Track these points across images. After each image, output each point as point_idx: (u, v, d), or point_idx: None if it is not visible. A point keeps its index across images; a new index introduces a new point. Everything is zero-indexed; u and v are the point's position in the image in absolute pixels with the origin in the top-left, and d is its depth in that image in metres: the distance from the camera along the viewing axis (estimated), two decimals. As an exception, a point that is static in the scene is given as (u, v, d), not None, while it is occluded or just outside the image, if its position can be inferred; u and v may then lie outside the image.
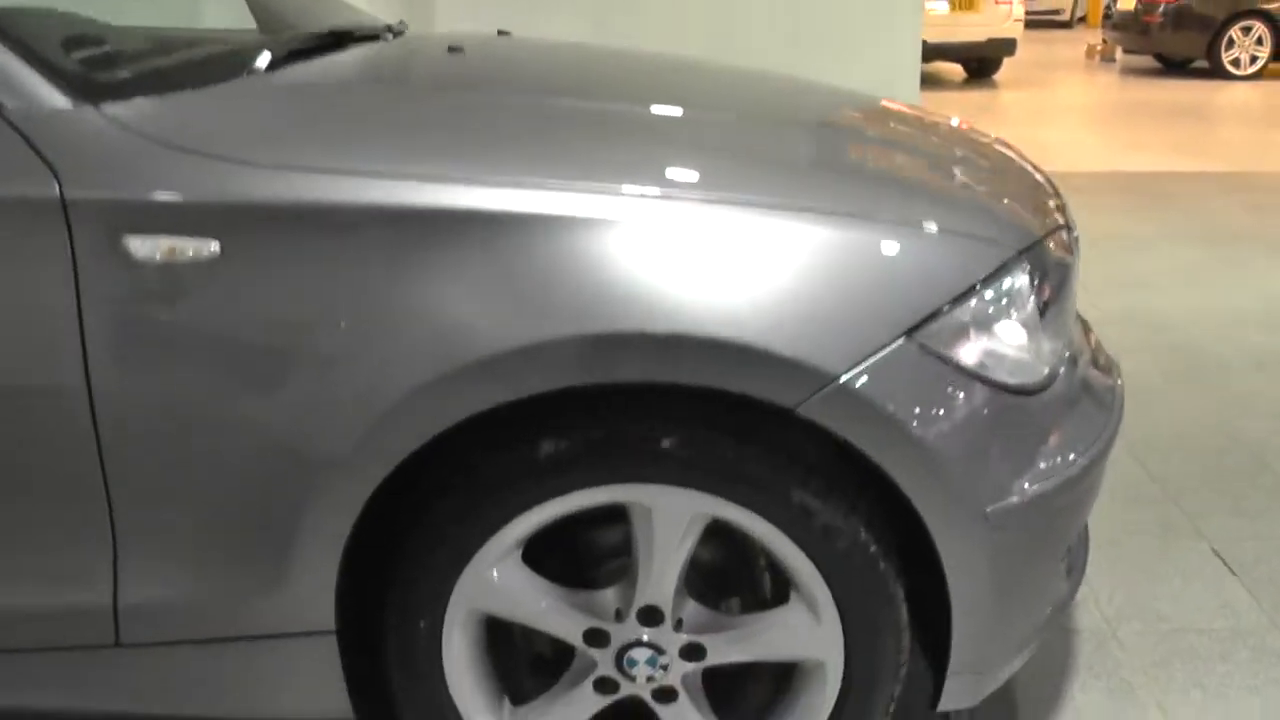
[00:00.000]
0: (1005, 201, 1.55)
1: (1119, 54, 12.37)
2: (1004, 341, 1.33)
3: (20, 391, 1.27)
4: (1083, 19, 18.65)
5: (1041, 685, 1.83)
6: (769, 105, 1.88)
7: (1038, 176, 1.76)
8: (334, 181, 1.24)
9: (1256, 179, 6.04)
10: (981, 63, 10.98)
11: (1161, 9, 10.85)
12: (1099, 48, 12.93)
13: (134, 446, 1.28)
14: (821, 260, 1.26)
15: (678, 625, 1.37)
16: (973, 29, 10.28)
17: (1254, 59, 10.63)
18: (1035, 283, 1.38)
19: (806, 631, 1.35)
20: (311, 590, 1.33)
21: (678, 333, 1.20)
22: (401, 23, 2.22)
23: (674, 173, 1.36)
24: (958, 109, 8.04)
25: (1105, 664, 1.89)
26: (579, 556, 1.44)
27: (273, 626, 1.36)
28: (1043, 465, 1.34)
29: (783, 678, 1.46)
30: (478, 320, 1.22)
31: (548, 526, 1.34)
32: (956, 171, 1.64)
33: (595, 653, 1.38)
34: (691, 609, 1.39)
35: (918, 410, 1.24)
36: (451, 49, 1.86)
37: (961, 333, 1.28)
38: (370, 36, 2.00)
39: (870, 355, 1.22)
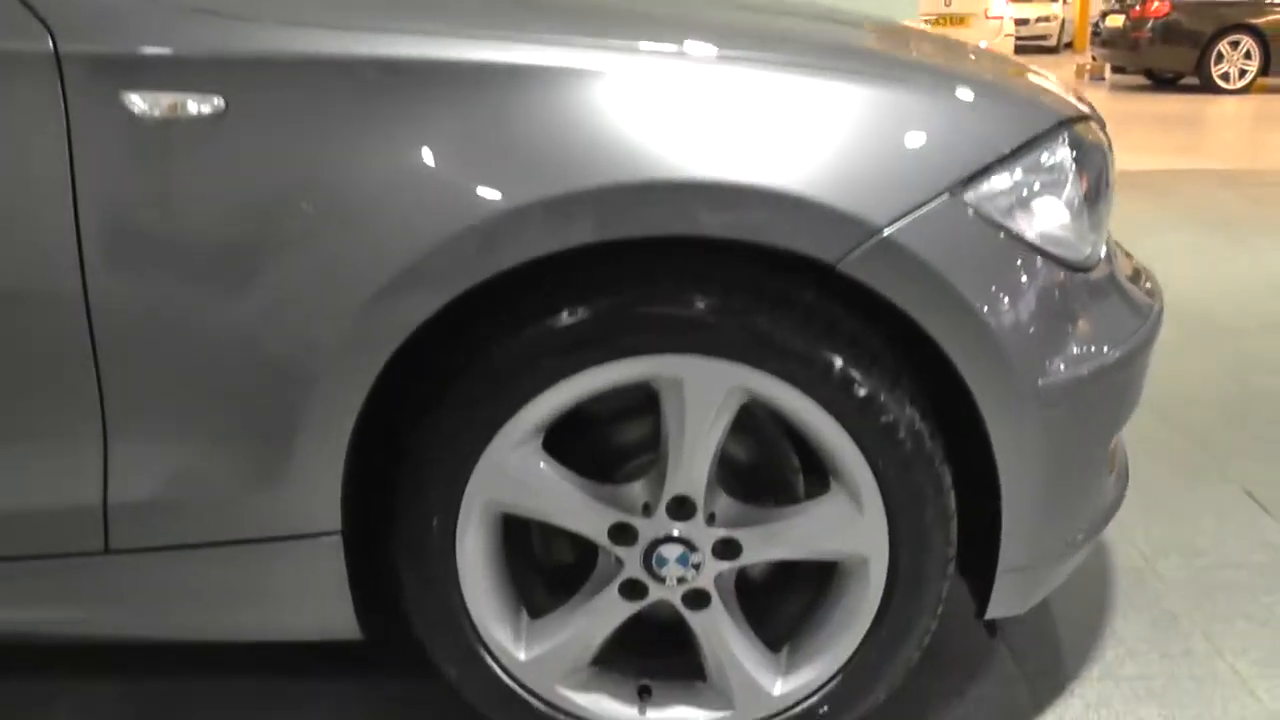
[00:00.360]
0: (1039, 88, 1.51)
1: (1108, 72, 12.49)
2: (1049, 214, 1.27)
3: (7, 262, 1.19)
4: (1069, 44, 18.90)
5: (1082, 617, 1.75)
6: (792, 9, 1.83)
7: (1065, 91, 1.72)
8: (338, 36, 1.17)
9: (1254, 174, 6.06)
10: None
11: (1150, 24, 10.97)
12: (1088, 67, 13.06)
13: (127, 320, 1.19)
14: (861, 117, 1.20)
15: (710, 520, 1.29)
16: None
17: (1243, 73, 10.73)
18: (1076, 163, 1.32)
19: (849, 523, 1.27)
20: (315, 487, 1.24)
21: (710, 180, 1.13)
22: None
23: (704, 34, 1.30)
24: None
25: (1145, 596, 1.81)
26: (603, 457, 1.36)
27: (272, 528, 1.27)
28: (1090, 345, 1.28)
29: (820, 583, 1.39)
30: (489, 176, 1.15)
31: (570, 413, 1.26)
32: (987, 65, 1.59)
33: (621, 551, 1.30)
34: (725, 502, 1.31)
35: (965, 270, 1.17)
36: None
37: (1007, 197, 1.22)
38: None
39: (915, 209, 1.16)
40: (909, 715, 1.52)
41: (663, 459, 1.27)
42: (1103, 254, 1.39)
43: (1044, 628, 1.73)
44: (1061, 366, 1.24)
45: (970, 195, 1.20)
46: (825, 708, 1.36)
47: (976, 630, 1.72)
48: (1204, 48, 10.76)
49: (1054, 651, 1.67)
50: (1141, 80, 11.89)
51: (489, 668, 1.35)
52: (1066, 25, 19.22)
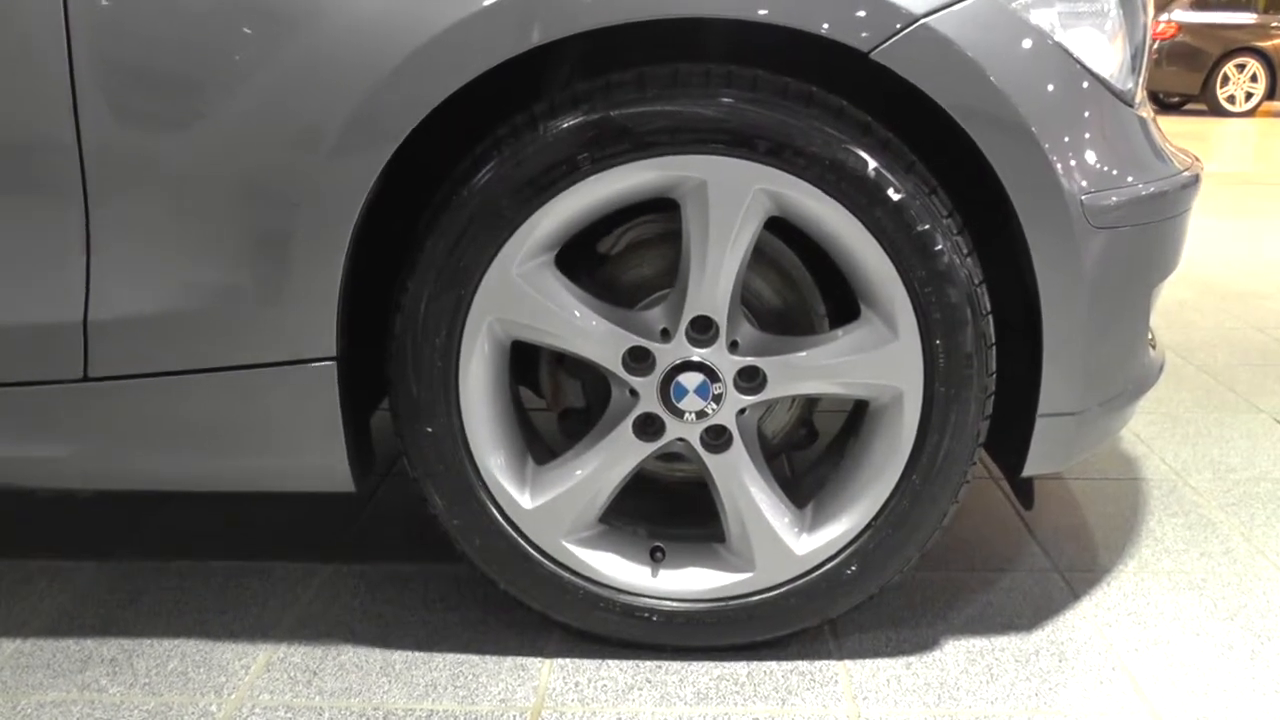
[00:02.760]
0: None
1: (1111, 97, 12.67)
2: (1094, 41, 1.25)
3: None
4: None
5: (1117, 520, 1.72)
6: None
7: None
8: None
9: (1263, 176, 6.15)
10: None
11: (1156, 46, 11.17)
12: (1090, 92, 13.24)
13: (113, 124, 1.16)
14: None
15: (733, 347, 1.25)
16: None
17: (1249, 95, 10.93)
18: (1119, 4, 1.31)
19: (881, 350, 1.23)
20: (309, 307, 1.20)
21: None
22: None
23: None
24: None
25: (1181, 505, 1.78)
26: (617, 291, 1.33)
27: (263, 353, 1.22)
28: (1134, 173, 1.26)
29: (846, 441, 1.35)
30: None
31: (586, 227, 1.23)
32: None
33: (637, 381, 1.25)
34: (748, 330, 1.28)
35: (1008, 70, 1.14)
36: None
37: (1053, 9, 1.20)
38: None
39: (954, 1, 1.13)
40: (937, 601, 1.48)
41: (683, 278, 1.23)
42: (1141, 99, 1.37)
43: (1077, 529, 1.69)
44: (1105, 186, 1.21)
45: (1015, 1, 1.18)
46: (853, 568, 1.31)
47: (1008, 529, 1.69)
48: (1210, 71, 10.96)
49: (1089, 548, 1.63)
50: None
51: (490, 513, 1.30)
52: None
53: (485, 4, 1.11)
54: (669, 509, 1.45)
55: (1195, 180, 1.42)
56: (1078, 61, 1.22)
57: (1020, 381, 1.29)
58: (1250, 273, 3.54)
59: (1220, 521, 1.72)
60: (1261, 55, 10.86)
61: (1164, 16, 11.15)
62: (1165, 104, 11.72)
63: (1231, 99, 10.94)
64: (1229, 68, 10.93)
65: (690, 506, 1.43)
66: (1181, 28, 11.02)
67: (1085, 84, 1.22)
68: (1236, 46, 10.91)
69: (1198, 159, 1.53)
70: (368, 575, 1.56)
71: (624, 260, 1.36)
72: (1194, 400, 2.28)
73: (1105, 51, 1.27)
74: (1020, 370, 1.29)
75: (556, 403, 1.40)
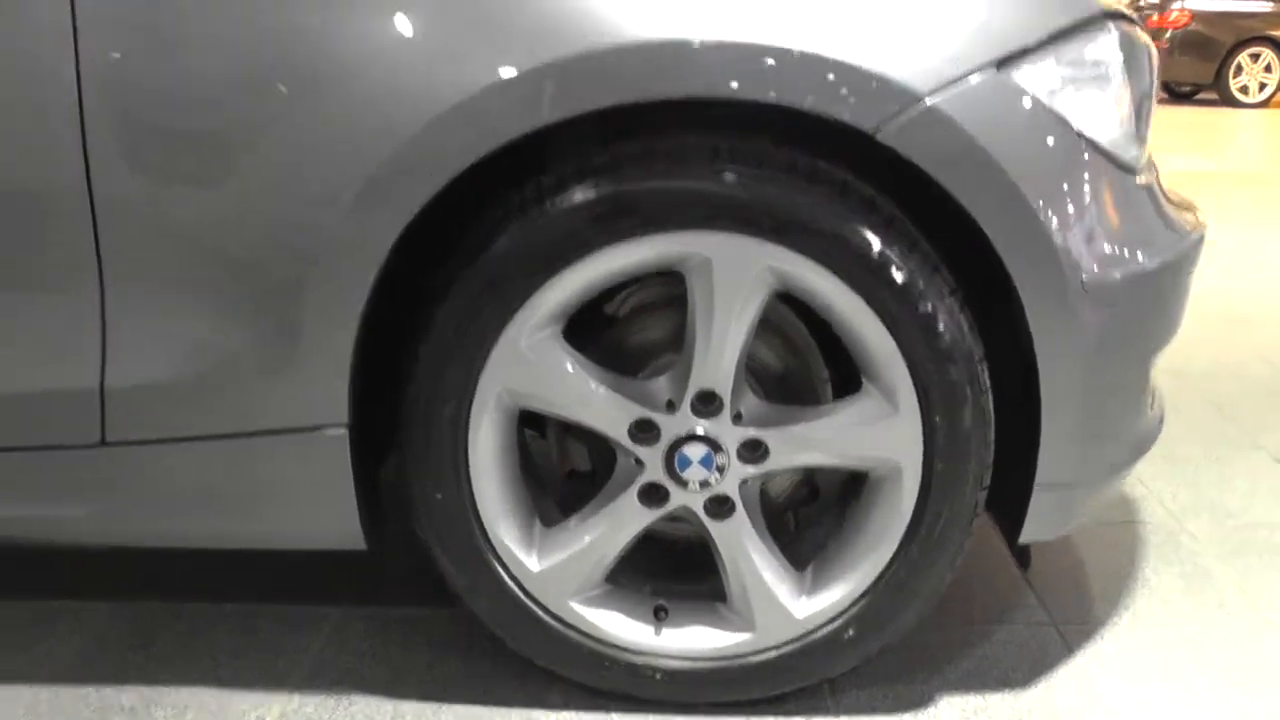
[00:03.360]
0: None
1: (1123, 85, 12.63)
2: (1096, 108, 1.27)
3: (5, 134, 1.18)
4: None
5: (1112, 569, 1.76)
6: None
7: None
8: None
9: (1276, 177, 6.14)
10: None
11: (1168, 35, 11.12)
12: (1102, 79, 13.21)
13: (128, 193, 1.18)
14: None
15: (737, 419, 1.28)
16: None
17: (1263, 86, 10.88)
18: (1124, 63, 1.34)
19: (881, 424, 1.26)
20: (321, 376, 1.23)
21: (744, 41, 1.13)
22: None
23: None
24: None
25: (1178, 553, 1.81)
26: (624, 356, 1.36)
27: (277, 420, 1.26)
28: (1136, 248, 1.29)
29: (844, 507, 1.38)
30: (478, 44, 1.13)
31: (592, 316, 1.26)
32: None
33: (642, 451, 1.29)
34: (752, 402, 1.31)
35: (1010, 149, 1.17)
36: None
37: (1054, 81, 1.23)
38: None
39: (958, 80, 1.16)
40: (934, 656, 1.52)
41: (688, 351, 1.27)
42: (1145, 162, 1.40)
43: (1074, 578, 1.73)
44: (1107, 264, 1.24)
45: (1016, 73, 1.20)
46: (851, 631, 1.36)
47: (1004, 578, 1.72)
48: (1223, 60, 10.91)
49: (1085, 600, 1.67)
50: (1158, 93, 12.03)
51: (498, 576, 1.34)
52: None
53: (506, 77, 1.13)
54: (672, 563, 1.49)
55: (1199, 241, 1.44)
56: (1081, 136, 1.24)
57: (1017, 448, 1.33)
58: (1259, 293, 3.54)
59: (1216, 572, 1.75)
60: (1276, 45, 10.80)
61: (1177, 4, 11.10)
62: (1177, 93, 11.68)
63: (1245, 89, 10.89)
64: (1243, 57, 10.87)
65: (693, 561, 1.47)
66: (1194, 16, 10.96)
67: (1088, 158, 1.24)
68: (1251, 36, 10.85)
69: (1200, 216, 1.55)
70: (377, 619, 1.61)
71: (631, 323, 1.39)
72: (1194, 437, 2.30)
73: (1109, 122, 1.29)
74: (1017, 437, 1.33)
75: (563, 465, 1.44)
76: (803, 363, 1.39)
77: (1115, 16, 1.35)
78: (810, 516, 1.42)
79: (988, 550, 1.80)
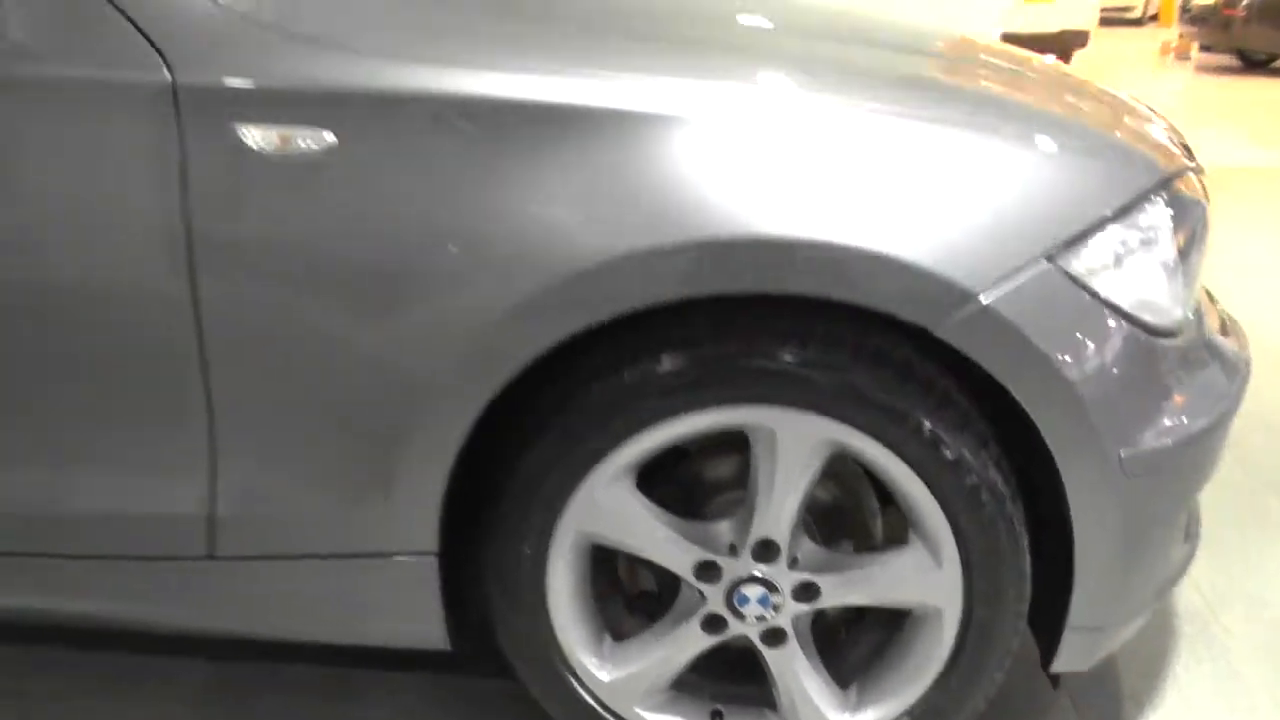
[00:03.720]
0: (1136, 136, 1.57)
1: (1195, 51, 12.29)
2: (1143, 277, 1.35)
3: (122, 284, 1.31)
4: (1154, 17, 18.50)
5: (1145, 665, 1.85)
6: (871, 34, 1.87)
7: (1157, 119, 1.78)
8: (445, 73, 1.26)
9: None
10: (1051, 55, 10.89)
11: (1245, 2, 10.77)
12: (1173, 44, 12.86)
13: (238, 347, 1.31)
14: (958, 173, 1.28)
15: (793, 563, 1.40)
16: (1046, 18, 10.21)
17: (1345, 59, 10.54)
18: (1173, 221, 1.40)
19: (926, 575, 1.38)
20: (416, 509, 1.36)
21: (810, 240, 1.22)
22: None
23: (794, 77, 1.39)
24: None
25: (1210, 649, 1.91)
26: (693, 489, 1.48)
27: (372, 545, 1.40)
28: (1174, 414, 1.37)
29: (892, 625, 1.50)
30: (586, 225, 1.24)
31: (665, 451, 1.37)
32: (1079, 104, 1.66)
33: (706, 588, 1.42)
34: (808, 547, 1.43)
35: (1058, 339, 1.26)
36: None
37: (1103, 261, 1.30)
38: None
39: (1012, 276, 1.24)
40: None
41: (750, 502, 1.38)
42: (1192, 314, 1.47)
43: (1106, 677, 1.83)
44: (1147, 437, 1.33)
45: (1067, 261, 1.28)
46: (891, 747, 1.49)
47: (1039, 678, 1.82)
48: (1304, 29, 10.56)
49: (1116, 700, 1.77)
50: (1231, 60, 11.70)
51: (572, 688, 1.48)
52: (1153, -3, 18.85)
53: (640, 249, 1.23)
54: (728, 663, 1.62)
55: (1242, 387, 1.51)
56: (1127, 316, 1.32)
57: (1051, 586, 1.43)
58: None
59: (1248, 673, 1.84)
60: (1361, 15, 10.43)
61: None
62: (1252, 61, 11.34)
63: (1325, 61, 10.56)
64: (1325, 27, 10.51)
65: (747, 664, 1.59)
66: (1276, -17, 10.60)
67: (1131, 336, 1.32)
68: (1333, 4, 10.48)
69: (1243, 349, 1.61)
70: (462, 690, 1.75)
71: (701, 460, 1.51)
72: (1237, 512, 2.36)
73: (1154, 292, 1.36)
74: (1051, 576, 1.43)
75: (633, 586, 1.57)
76: (856, 501, 1.49)
77: (1167, 181, 1.41)
78: (857, 636, 1.54)
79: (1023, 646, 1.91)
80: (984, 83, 1.67)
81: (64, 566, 1.47)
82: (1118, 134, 1.56)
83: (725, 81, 1.32)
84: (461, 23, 1.42)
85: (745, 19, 1.78)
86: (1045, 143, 1.36)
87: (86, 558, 1.45)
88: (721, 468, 1.49)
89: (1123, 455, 1.31)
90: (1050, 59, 2.05)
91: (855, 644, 1.53)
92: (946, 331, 1.25)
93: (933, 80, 1.62)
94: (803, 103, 1.32)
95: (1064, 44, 10.70)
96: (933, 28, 2.06)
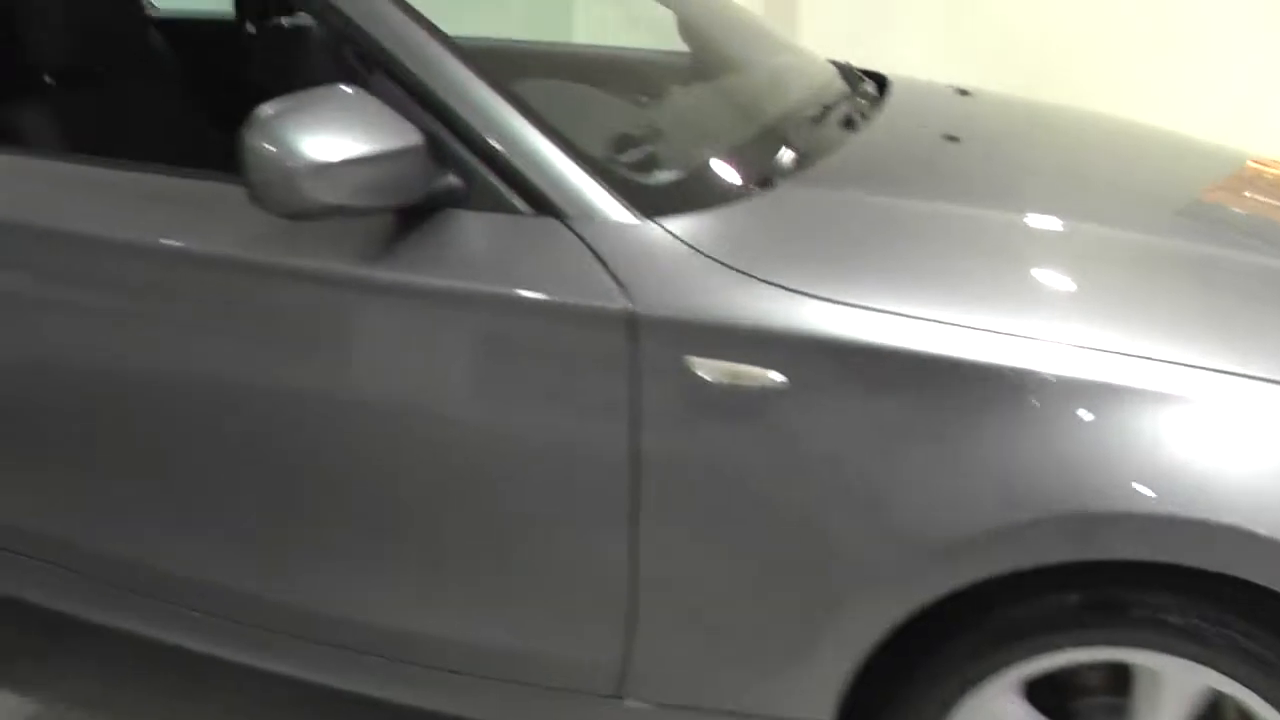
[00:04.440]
0: None
1: None
2: None
3: (566, 494, 1.47)
4: None
5: None
6: None
7: None
8: (904, 327, 1.33)
9: None
10: None
11: None
12: None
13: (670, 549, 1.47)
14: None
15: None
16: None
17: None
18: None
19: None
20: (819, 685, 1.48)
21: (1234, 525, 1.25)
22: (849, 66, 2.24)
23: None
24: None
25: None
26: (1069, 688, 1.54)
27: (773, 710, 1.52)
28: None
29: None
30: (1021, 482, 1.32)
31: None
32: None
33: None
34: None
35: None
36: (948, 138, 1.93)
37: None
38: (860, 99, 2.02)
39: None
40: None
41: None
42: None
43: None
44: None
45: None
46: None
47: None
48: None
49: None
50: None
51: None
52: None
53: (991, 525, 1.32)
54: None
55: None
56: None
57: None
58: None
59: None
60: None
61: None
62: None
63: None
64: None
65: None
66: None
67: None
68: None
69: None
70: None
71: (1083, 682, 1.55)
72: None
73: None
74: None
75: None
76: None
77: None
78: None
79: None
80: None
81: (478, 685, 1.66)
82: None
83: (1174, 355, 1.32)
84: (913, 266, 1.46)
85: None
86: None
87: (506, 681, 1.67)
88: (1093, 675, 1.54)
89: None
90: None
91: None
92: None
93: None
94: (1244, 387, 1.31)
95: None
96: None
